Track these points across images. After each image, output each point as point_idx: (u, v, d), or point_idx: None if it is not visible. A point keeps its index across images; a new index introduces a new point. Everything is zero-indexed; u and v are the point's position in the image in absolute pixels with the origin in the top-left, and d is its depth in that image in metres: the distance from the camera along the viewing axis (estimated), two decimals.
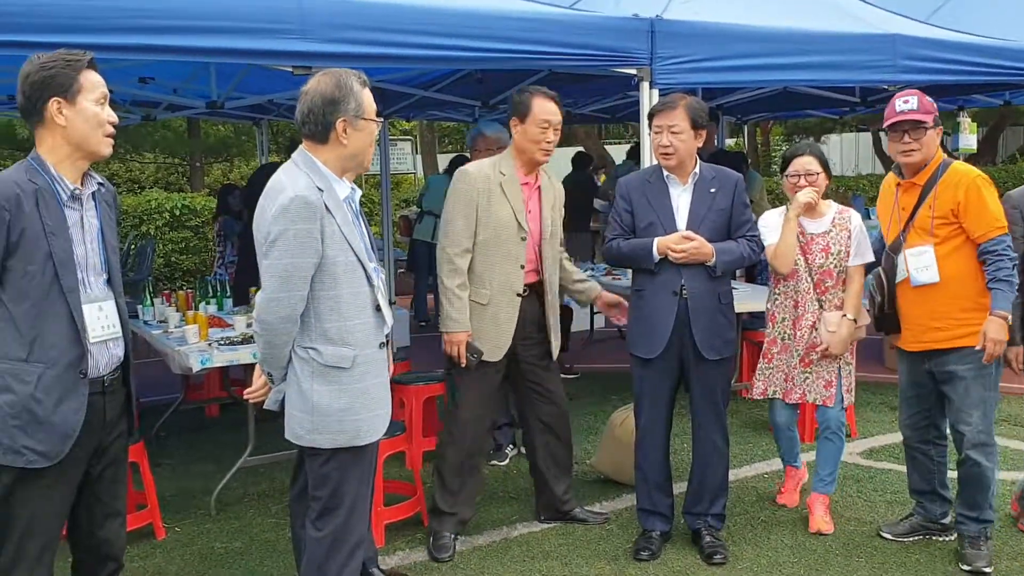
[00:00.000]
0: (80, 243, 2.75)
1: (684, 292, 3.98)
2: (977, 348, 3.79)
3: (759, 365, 4.47)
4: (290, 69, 4.13)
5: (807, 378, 4.34)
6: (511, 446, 5.58)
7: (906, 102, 3.93)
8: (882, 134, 21.19)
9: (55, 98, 2.66)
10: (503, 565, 4.10)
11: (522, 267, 4.13)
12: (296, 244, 2.88)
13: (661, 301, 4.01)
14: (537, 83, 6.68)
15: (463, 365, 4.11)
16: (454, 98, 7.57)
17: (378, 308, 3.09)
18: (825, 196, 4.38)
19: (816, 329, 4.29)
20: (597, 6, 5.17)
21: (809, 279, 4.29)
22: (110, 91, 2.82)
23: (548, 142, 4.11)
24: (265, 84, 6.76)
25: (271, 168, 7.98)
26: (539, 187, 4.23)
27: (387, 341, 3.18)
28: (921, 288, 3.93)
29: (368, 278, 3.05)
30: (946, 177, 3.92)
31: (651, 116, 4.10)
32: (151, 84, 6.66)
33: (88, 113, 2.70)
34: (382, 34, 3.97)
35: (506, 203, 4.09)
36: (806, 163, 4.29)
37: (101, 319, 2.79)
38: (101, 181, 2.87)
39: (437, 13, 4.11)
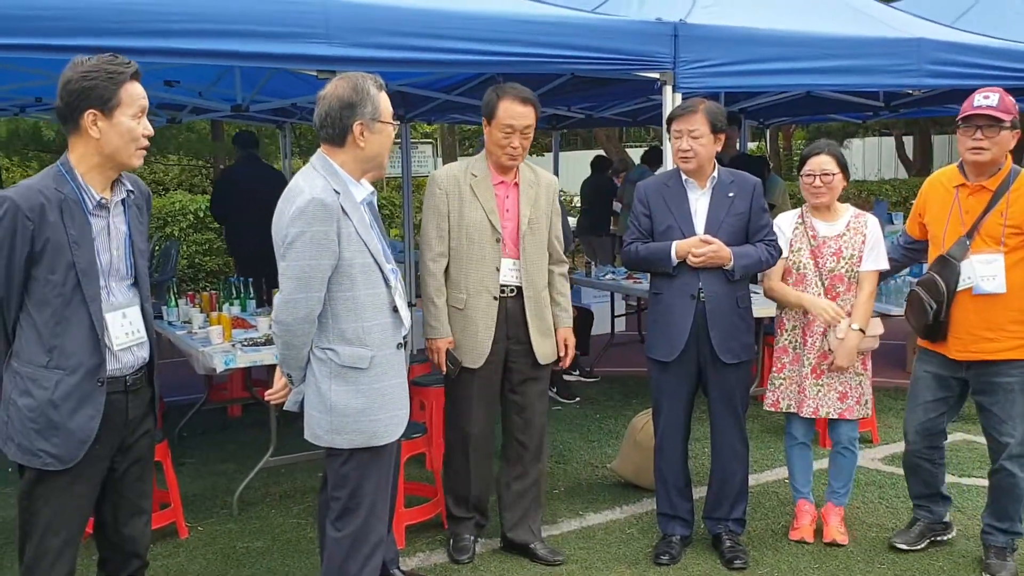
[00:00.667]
0: (106, 250, 2.78)
1: (702, 295, 3.98)
2: None
3: (771, 375, 4.35)
4: (315, 73, 4.15)
5: (819, 390, 4.20)
6: None
7: (986, 97, 3.76)
8: (906, 138, 21.10)
9: (92, 110, 2.67)
10: (523, 568, 4.11)
11: (497, 269, 4.00)
12: (313, 246, 2.91)
13: (679, 304, 4.01)
14: (559, 87, 6.73)
15: (444, 373, 4.07)
16: (477, 102, 7.53)
17: (395, 309, 3.11)
18: (844, 199, 4.30)
19: (827, 336, 4.16)
20: (620, 10, 5.17)
21: (819, 283, 4.16)
22: None
23: (513, 147, 3.94)
24: (289, 88, 6.81)
25: (233, 170, 8.07)
26: (516, 184, 4.08)
27: (405, 342, 3.20)
28: (980, 297, 3.79)
29: (385, 279, 3.07)
30: (1018, 184, 3.80)
31: (670, 120, 4.09)
32: (176, 87, 6.72)
33: (123, 128, 2.71)
34: (406, 38, 3.98)
35: (478, 205, 3.98)
36: (822, 162, 4.14)
37: (125, 326, 2.82)
38: (131, 188, 2.89)
39: (461, 17, 4.13)
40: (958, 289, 3.83)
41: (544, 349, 4.12)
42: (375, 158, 3.09)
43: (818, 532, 4.37)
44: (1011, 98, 3.80)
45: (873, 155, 27.09)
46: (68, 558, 2.82)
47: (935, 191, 4.02)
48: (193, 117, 8.68)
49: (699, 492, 4.40)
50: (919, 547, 4.18)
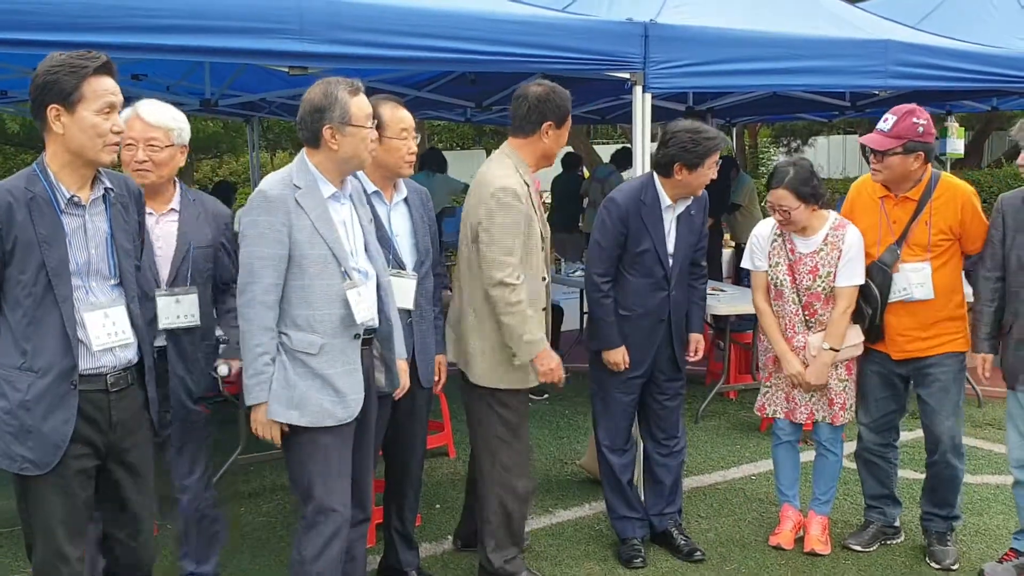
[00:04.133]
0: (83, 249, 2.71)
1: (671, 318, 4.10)
2: None
3: (761, 382, 4.33)
4: (286, 69, 4.14)
5: (811, 397, 4.15)
6: None
7: (884, 120, 3.89)
8: None
9: (53, 105, 2.60)
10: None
11: (543, 279, 3.81)
12: (256, 236, 3.05)
13: (649, 327, 4.08)
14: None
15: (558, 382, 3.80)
16: (447, 98, 7.58)
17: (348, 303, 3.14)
18: (826, 204, 4.12)
19: (803, 354, 4.11)
20: (590, 9, 5.18)
21: (796, 301, 4.10)
22: None
23: None
24: (258, 83, 6.77)
25: None
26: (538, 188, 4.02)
27: (364, 335, 3.19)
28: (911, 302, 3.95)
29: (346, 272, 3.11)
30: (939, 192, 3.92)
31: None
32: (144, 81, 6.64)
33: (86, 124, 2.61)
34: (379, 35, 3.96)
35: (535, 216, 3.74)
36: (780, 197, 3.98)
37: (107, 326, 2.75)
38: (110, 186, 2.80)
39: (433, 15, 4.11)
40: (890, 300, 3.98)
41: None
42: (351, 159, 3.15)
43: (798, 539, 4.32)
44: (913, 119, 3.83)
45: (838, 153, 27.38)
46: (75, 547, 2.76)
47: (861, 200, 4.13)
48: None
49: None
50: (872, 549, 4.25)
